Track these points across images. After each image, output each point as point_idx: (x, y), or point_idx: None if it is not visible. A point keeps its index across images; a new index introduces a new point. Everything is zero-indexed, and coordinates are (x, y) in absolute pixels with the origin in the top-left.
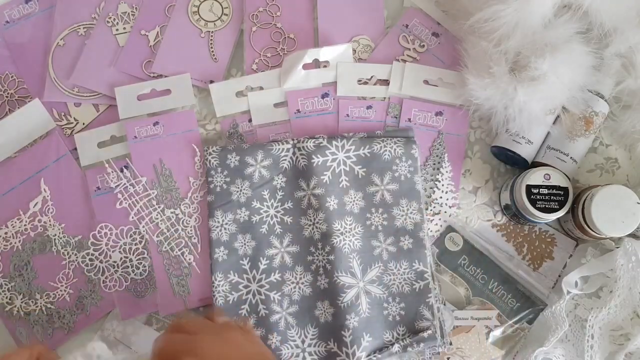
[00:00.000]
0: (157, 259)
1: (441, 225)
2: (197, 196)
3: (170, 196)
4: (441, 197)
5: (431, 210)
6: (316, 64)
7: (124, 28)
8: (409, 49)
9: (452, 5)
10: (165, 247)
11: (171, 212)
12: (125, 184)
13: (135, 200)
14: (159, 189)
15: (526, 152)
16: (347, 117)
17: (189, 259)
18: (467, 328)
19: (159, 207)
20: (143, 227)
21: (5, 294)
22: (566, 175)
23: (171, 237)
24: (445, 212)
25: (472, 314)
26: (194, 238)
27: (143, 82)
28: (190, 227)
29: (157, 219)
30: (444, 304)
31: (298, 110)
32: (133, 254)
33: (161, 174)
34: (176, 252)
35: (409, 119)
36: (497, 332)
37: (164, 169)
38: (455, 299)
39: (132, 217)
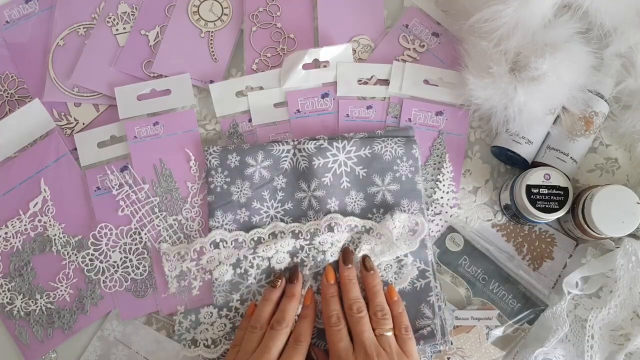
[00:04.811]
0: (157, 259)
1: (442, 226)
2: (197, 200)
3: (171, 196)
4: (442, 198)
5: (432, 210)
6: (316, 64)
7: (124, 28)
8: (409, 49)
9: (452, 5)
10: None
11: (173, 220)
12: (127, 190)
13: (137, 207)
14: (159, 189)
15: (526, 152)
16: (347, 117)
17: None
18: (467, 328)
19: (161, 214)
20: (145, 234)
21: (5, 294)
22: (566, 175)
23: (174, 244)
24: (446, 212)
25: (472, 314)
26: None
27: (143, 82)
28: (195, 230)
29: (159, 226)
30: (445, 304)
31: (298, 110)
32: (133, 254)
33: (161, 174)
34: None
35: (409, 119)
36: (497, 332)
37: (164, 169)
38: (456, 299)
39: (135, 224)
